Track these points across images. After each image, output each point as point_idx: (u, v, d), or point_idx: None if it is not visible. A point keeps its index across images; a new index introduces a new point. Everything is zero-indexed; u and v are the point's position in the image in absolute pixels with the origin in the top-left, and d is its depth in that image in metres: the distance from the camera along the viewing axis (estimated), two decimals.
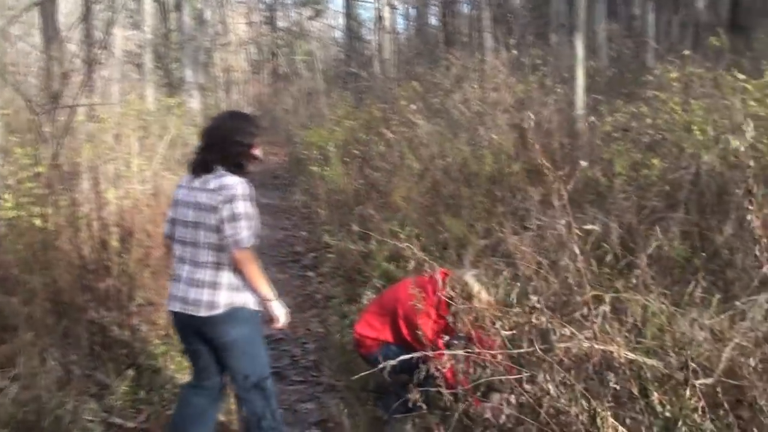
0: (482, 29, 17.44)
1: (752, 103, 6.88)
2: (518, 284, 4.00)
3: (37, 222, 5.81)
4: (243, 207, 3.74)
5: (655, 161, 7.10)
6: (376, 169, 10.59)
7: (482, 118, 10.39)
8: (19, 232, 5.87)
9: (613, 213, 5.86)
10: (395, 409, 4.53)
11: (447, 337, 3.70)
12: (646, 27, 15.10)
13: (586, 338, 2.87)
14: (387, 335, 4.80)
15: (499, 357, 3.25)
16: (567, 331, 2.93)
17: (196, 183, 3.88)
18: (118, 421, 4.60)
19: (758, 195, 3.08)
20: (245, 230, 3.73)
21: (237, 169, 3.89)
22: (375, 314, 4.93)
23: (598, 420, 2.74)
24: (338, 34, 34.51)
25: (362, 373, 4.40)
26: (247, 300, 3.91)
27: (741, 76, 7.20)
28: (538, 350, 3.00)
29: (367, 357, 4.88)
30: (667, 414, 2.77)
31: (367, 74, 19.94)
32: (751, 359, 2.87)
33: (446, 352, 3.29)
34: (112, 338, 5.44)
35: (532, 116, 4.31)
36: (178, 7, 19.55)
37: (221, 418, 4.76)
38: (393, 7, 22.55)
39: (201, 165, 3.91)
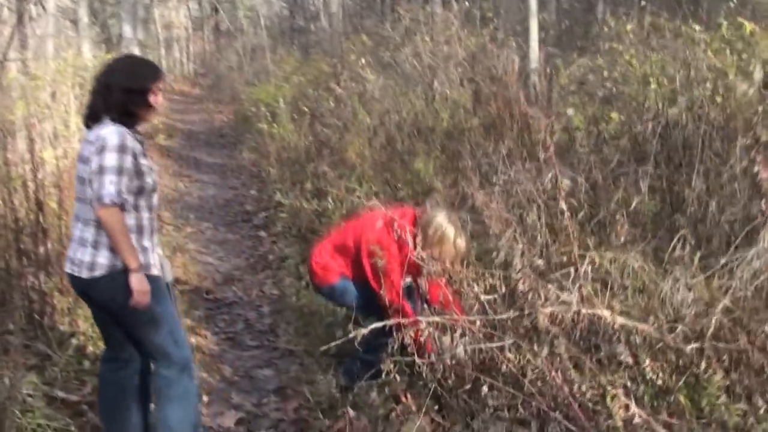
0: None
1: (710, 54, 6.74)
2: (489, 243, 3.77)
3: None
4: (112, 159, 3.27)
5: (614, 115, 6.94)
6: (327, 125, 10.28)
7: (435, 71, 10.13)
8: None
9: (578, 169, 5.66)
10: (358, 376, 4.30)
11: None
12: None
13: (575, 302, 2.65)
14: (346, 269, 4.48)
15: (478, 324, 3.00)
16: (552, 294, 2.70)
17: (88, 135, 3.49)
18: (60, 394, 4.27)
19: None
20: (109, 185, 3.26)
21: (128, 118, 3.44)
22: (335, 245, 4.54)
23: (593, 392, 2.54)
24: None
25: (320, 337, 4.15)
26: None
27: (698, 27, 7.05)
28: (525, 315, 2.77)
29: (321, 288, 4.61)
30: (659, 382, 2.59)
31: (314, 29, 19.47)
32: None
33: (422, 318, 3.03)
34: (52, 306, 5.08)
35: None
36: None
37: None
38: None
39: (89, 115, 3.50)
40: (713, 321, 2.84)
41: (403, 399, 3.87)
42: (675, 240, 3.57)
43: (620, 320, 2.57)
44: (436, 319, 2.93)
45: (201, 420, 3.87)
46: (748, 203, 4.07)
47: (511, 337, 2.81)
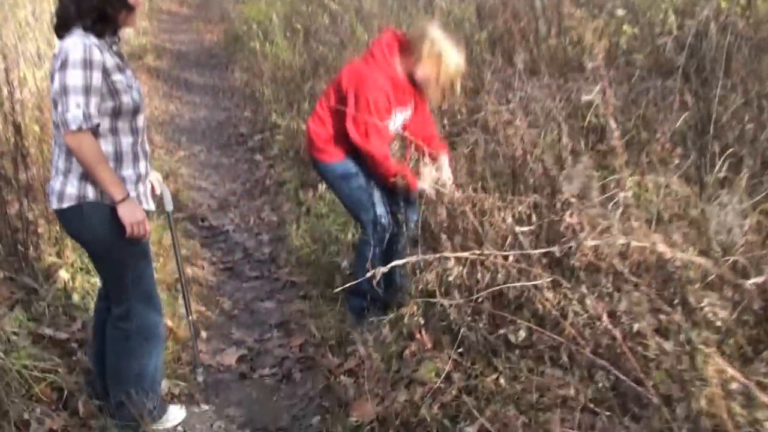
0: None
1: None
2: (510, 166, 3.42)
3: None
4: (76, 77, 2.84)
5: (627, 28, 6.52)
6: (322, 42, 9.81)
7: None
8: None
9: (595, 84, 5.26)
10: (368, 311, 4.00)
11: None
12: None
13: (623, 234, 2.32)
14: (342, 142, 3.86)
15: (511, 258, 2.64)
16: (597, 223, 2.37)
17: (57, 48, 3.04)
18: (47, 331, 3.95)
19: None
20: (75, 108, 2.84)
21: (105, 25, 2.97)
22: (326, 108, 3.90)
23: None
24: None
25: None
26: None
27: None
28: (570, 250, 2.43)
29: (319, 164, 4.02)
30: (719, 323, 2.28)
31: None
32: None
33: (449, 255, 2.68)
34: (38, 235, 4.74)
35: None
36: None
37: (169, 322, 4.20)
38: None
39: (59, 23, 3.02)
40: None
41: (418, 335, 3.59)
42: (720, 161, 3.22)
43: (681, 255, 2.24)
44: (465, 254, 2.60)
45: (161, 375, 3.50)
46: None
47: (548, 275, 2.48)
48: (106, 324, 3.35)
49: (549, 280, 2.46)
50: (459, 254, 2.61)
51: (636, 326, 2.31)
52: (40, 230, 4.79)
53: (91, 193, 3.04)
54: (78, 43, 2.89)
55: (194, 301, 4.54)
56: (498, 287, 2.62)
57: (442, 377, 3.20)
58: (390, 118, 3.77)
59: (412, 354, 3.56)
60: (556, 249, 2.49)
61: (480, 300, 2.75)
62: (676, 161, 3.53)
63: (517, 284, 2.58)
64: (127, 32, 15.49)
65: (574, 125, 4.01)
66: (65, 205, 3.07)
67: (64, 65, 2.88)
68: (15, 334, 3.81)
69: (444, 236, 2.96)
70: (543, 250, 2.59)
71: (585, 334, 2.44)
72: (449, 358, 3.43)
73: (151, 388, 3.36)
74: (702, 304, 2.27)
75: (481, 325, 3.16)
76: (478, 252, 2.57)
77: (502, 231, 2.81)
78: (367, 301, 3.98)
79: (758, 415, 1.99)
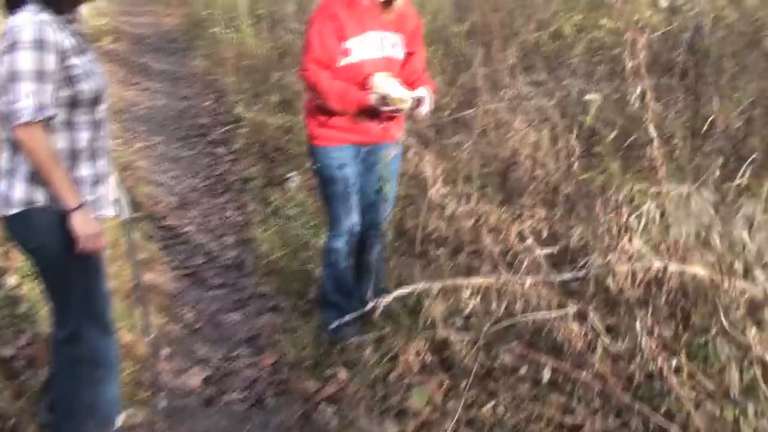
0: None
1: None
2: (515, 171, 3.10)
3: None
4: (26, 61, 2.46)
5: (605, 21, 6.24)
6: (290, 30, 9.42)
7: None
8: None
9: (583, 80, 4.96)
10: (345, 328, 3.64)
11: None
12: None
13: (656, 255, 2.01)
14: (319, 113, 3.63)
15: (528, 283, 2.31)
16: (626, 245, 2.06)
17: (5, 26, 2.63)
18: None
19: None
20: (25, 97, 2.47)
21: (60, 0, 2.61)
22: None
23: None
24: None
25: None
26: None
27: None
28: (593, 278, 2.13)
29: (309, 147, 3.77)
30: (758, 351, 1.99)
31: None
32: None
33: (462, 280, 2.34)
34: None
35: None
36: None
37: (126, 337, 3.82)
38: None
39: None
40: None
41: (403, 356, 3.27)
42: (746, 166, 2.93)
43: (725, 280, 1.95)
44: (479, 280, 2.27)
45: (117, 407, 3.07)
46: None
47: (575, 303, 2.16)
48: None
49: (575, 310, 2.14)
50: (473, 280, 2.28)
51: (674, 362, 2.02)
52: None
53: (40, 196, 2.64)
54: (29, 21, 2.50)
55: (154, 312, 4.17)
56: (516, 319, 2.29)
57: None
58: (348, 43, 3.48)
59: (399, 377, 3.25)
60: (582, 274, 2.18)
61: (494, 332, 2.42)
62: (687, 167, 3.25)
63: (538, 315, 2.26)
64: (83, 12, 14.90)
65: (571, 126, 3.70)
66: (11, 211, 2.67)
67: (12, 47, 2.49)
68: None
69: (441, 252, 2.62)
70: (570, 276, 2.27)
71: (616, 370, 2.13)
72: (441, 385, 3.13)
73: (106, 419, 2.97)
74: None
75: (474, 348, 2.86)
76: (492, 277, 2.24)
77: (515, 250, 2.48)
78: (341, 315, 3.63)
79: None
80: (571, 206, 3.01)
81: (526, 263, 2.30)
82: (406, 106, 3.42)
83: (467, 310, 2.32)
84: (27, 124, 2.49)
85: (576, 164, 2.93)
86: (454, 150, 3.74)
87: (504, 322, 2.32)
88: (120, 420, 3.03)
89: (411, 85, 3.58)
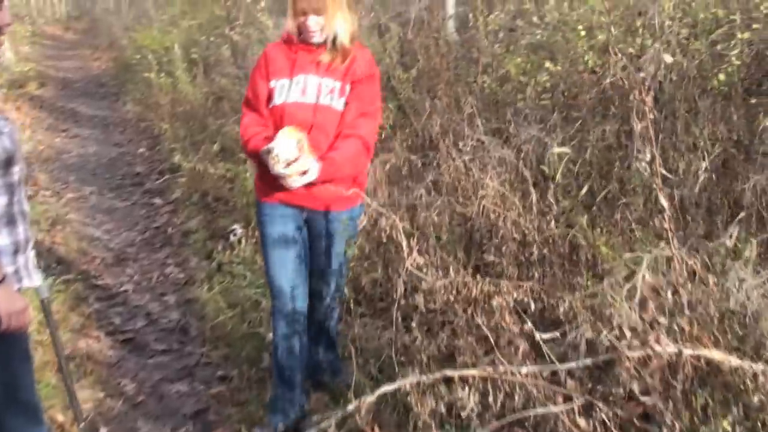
0: None
1: None
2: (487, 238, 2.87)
3: None
4: None
5: (550, 65, 6.14)
6: (225, 75, 9.15)
7: None
8: None
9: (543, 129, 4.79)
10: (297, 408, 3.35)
11: None
12: None
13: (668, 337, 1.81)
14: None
15: (526, 371, 2.06)
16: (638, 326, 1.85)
17: None
18: None
19: None
20: None
21: None
22: None
23: None
24: None
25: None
26: None
27: None
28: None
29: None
30: None
31: None
32: None
33: (455, 372, 2.08)
34: None
35: None
36: None
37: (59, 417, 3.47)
38: None
39: None
40: None
41: None
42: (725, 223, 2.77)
43: (749, 365, 1.75)
44: (473, 372, 2.03)
45: None
46: None
47: (580, 395, 1.94)
48: None
49: (581, 403, 1.91)
50: (466, 371, 2.03)
51: None
52: None
53: None
54: None
55: (90, 386, 3.81)
56: (517, 416, 2.04)
57: None
58: (272, 84, 3.20)
59: None
60: (589, 361, 1.95)
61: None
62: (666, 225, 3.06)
63: (540, 410, 2.02)
64: (7, 58, 14.38)
65: (537, 180, 3.50)
66: None
67: None
68: None
69: (419, 336, 2.35)
70: (574, 365, 2.04)
71: None
72: None
73: None
74: None
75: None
76: (488, 368, 2.00)
77: (504, 330, 2.23)
78: (285, 418, 3.33)
79: None
80: (554, 271, 2.80)
81: (522, 349, 2.07)
82: (280, 170, 2.97)
83: (463, 406, 2.04)
84: None
85: (552, 223, 2.72)
86: (419, 209, 3.49)
87: (505, 419, 2.06)
88: None
89: (335, 139, 3.17)
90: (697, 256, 2.36)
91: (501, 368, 2.02)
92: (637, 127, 2.22)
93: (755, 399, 1.88)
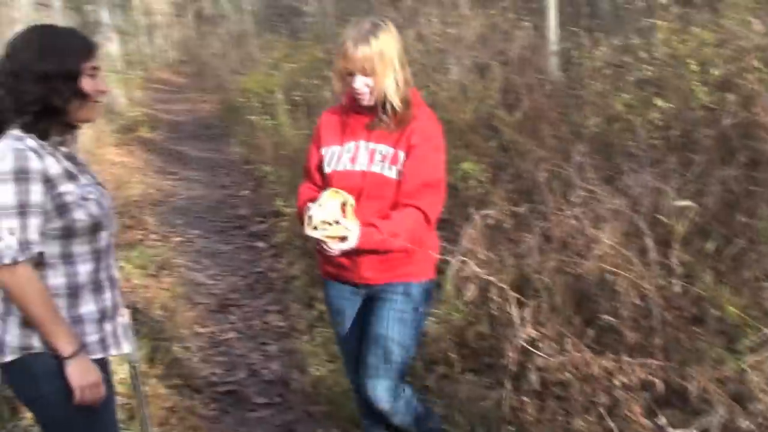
0: None
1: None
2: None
3: None
4: (6, 195, 2.17)
5: (660, 101, 5.86)
6: None
7: (444, 55, 9.12)
8: None
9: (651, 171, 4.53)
10: None
11: None
12: None
13: None
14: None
15: None
16: None
17: None
18: None
19: None
20: (7, 235, 2.17)
21: (47, 121, 2.27)
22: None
23: None
24: None
25: None
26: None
27: None
28: None
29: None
30: None
31: (304, 12, 18.26)
32: None
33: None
34: None
35: None
36: None
37: None
38: None
39: None
40: None
41: None
42: None
43: None
44: None
45: None
46: None
47: None
48: None
49: None
50: None
51: None
52: None
53: (36, 342, 2.29)
54: (9, 148, 2.19)
55: None
56: None
57: None
58: (323, 151, 3.00)
59: None
60: None
61: None
62: None
63: None
64: (120, 103, 14.93)
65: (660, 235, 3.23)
66: (5, 359, 2.32)
67: None
68: None
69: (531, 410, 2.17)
70: None
71: None
72: None
73: None
74: None
75: None
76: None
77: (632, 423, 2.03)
78: None
79: None
80: (678, 337, 2.57)
81: None
82: (309, 232, 2.76)
83: None
84: (10, 265, 2.17)
85: (674, 283, 2.51)
86: (524, 267, 3.30)
87: None
88: None
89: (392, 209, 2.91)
90: None
91: None
92: None
93: None
